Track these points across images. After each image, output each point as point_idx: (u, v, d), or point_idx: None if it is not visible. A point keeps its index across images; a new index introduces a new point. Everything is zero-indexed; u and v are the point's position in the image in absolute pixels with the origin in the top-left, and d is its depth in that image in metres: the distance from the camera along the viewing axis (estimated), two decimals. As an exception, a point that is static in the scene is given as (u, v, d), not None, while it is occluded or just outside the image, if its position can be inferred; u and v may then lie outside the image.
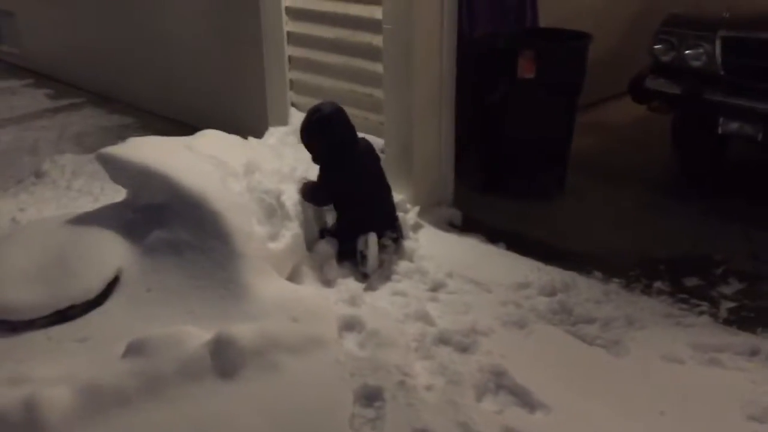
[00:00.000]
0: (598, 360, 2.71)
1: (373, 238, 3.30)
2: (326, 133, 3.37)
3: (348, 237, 3.35)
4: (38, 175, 4.39)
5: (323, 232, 3.47)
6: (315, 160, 3.46)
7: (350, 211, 3.41)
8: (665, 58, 4.12)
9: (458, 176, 4.03)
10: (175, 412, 2.30)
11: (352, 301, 3.00)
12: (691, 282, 3.28)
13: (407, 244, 3.46)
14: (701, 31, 3.99)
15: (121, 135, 5.19)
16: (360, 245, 3.29)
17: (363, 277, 3.25)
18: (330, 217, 3.54)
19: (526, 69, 3.89)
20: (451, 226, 3.81)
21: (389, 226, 3.43)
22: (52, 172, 4.41)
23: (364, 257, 3.26)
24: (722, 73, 3.95)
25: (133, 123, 5.71)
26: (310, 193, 3.40)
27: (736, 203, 4.06)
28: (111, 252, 3.00)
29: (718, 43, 3.93)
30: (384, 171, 3.53)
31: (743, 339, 2.81)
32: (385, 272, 3.29)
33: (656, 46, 4.14)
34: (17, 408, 2.21)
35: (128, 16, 5.82)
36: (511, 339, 2.79)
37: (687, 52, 4.02)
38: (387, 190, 3.52)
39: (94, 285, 2.89)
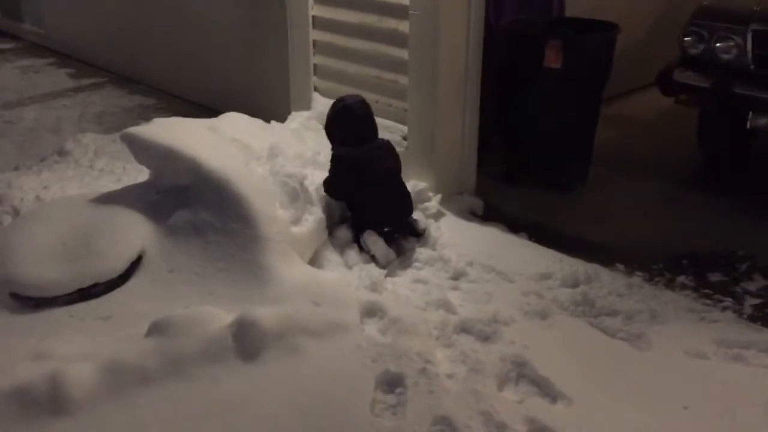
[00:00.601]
0: (621, 353, 2.69)
1: (372, 237, 3.28)
2: (345, 123, 3.40)
3: (358, 230, 3.35)
4: (61, 153, 4.41)
5: (345, 218, 3.46)
6: (333, 149, 3.48)
7: (359, 204, 3.40)
8: (694, 51, 4.07)
9: (480, 165, 4.00)
10: (196, 391, 2.31)
11: (374, 288, 2.99)
12: (715, 277, 3.25)
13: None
14: (732, 23, 3.93)
15: (142, 116, 5.22)
16: (364, 246, 3.28)
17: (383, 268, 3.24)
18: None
19: (552, 59, 3.85)
20: (473, 215, 3.78)
21: (398, 225, 3.40)
22: (75, 151, 4.42)
23: (372, 256, 3.26)
24: (753, 67, 3.89)
25: (155, 104, 5.72)
26: (326, 185, 3.41)
27: (761, 199, 4.02)
28: (135, 232, 3.01)
29: (749, 37, 3.87)
30: (400, 173, 3.49)
31: (768, 336, 2.78)
32: (406, 261, 3.28)
33: (686, 39, 4.09)
34: (42, 383, 2.23)
35: (152, -3, 5.82)
36: (532, 329, 2.76)
37: (717, 45, 3.97)
38: (399, 191, 3.46)
39: (118, 264, 2.91)
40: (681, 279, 3.22)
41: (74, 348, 2.46)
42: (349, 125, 3.40)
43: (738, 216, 3.83)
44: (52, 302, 2.81)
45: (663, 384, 2.52)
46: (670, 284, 3.19)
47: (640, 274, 3.25)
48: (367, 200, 3.36)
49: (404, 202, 3.46)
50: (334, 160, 3.42)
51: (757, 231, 3.66)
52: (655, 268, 3.31)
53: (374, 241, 3.28)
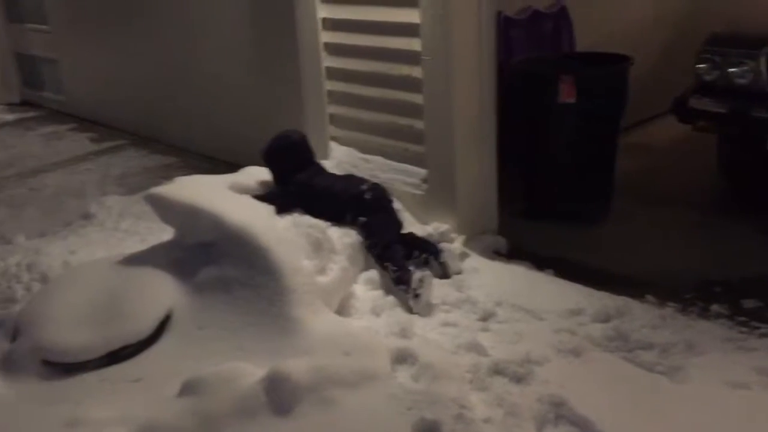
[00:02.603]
0: (660, 387, 2.62)
1: (429, 278, 3.25)
2: (297, 153, 3.74)
3: (386, 248, 3.41)
4: (86, 217, 4.47)
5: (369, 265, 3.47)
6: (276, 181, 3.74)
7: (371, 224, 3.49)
8: (709, 78, 4.07)
9: (501, 203, 3.99)
10: (231, 450, 2.29)
11: (403, 333, 2.97)
12: (750, 304, 3.18)
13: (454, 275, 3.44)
14: (745, 48, 3.94)
15: (163, 175, 5.27)
16: (414, 283, 3.22)
17: (410, 311, 3.20)
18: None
19: (566, 94, 3.86)
20: (497, 254, 3.76)
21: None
22: (99, 214, 4.49)
23: (417, 296, 3.20)
24: (768, 89, 3.88)
25: (175, 162, 5.79)
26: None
27: (787, 221, 3.96)
28: (162, 291, 3.03)
29: (763, 60, 3.86)
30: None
31: (810, 361, 2.71)
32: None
33: (699, 66, 4.09)
34: (77, 450, 2.23)
35: (167, 58, 5.95)
36: (567, 368, 2.72)
37: (731, 70, 3.96)
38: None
39: (147, 324, 2.92)
40: (715, 307, 3.16)
41: (108, 412, 2.46)
42: (300, 154, 3.74)
43: (765, 239, 3.77)
44: (83, 367, 2.82)
45: (705, 417, 2.45)
46: (704, 313, 3.13)
47: (672, 304, 3.19)
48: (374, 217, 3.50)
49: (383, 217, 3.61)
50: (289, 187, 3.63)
51: (787, 253, 3.60)
52: (687, 297, 3.25)
53: (430, 283, 3.24)
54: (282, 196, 3.57)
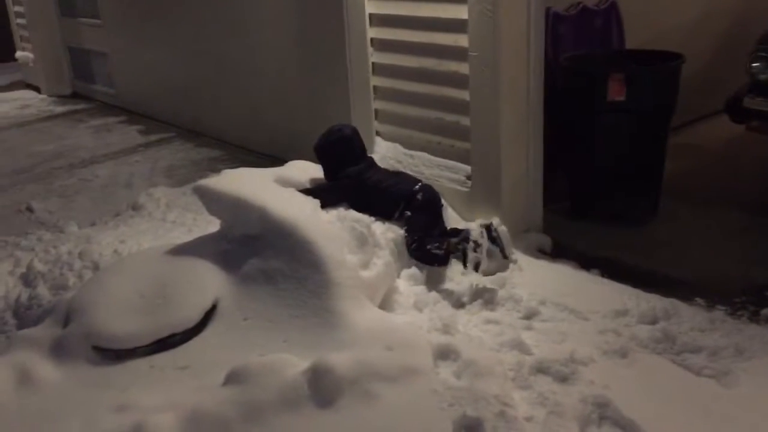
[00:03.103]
0: (708, 391, 2.58)
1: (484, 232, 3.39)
2: (339, 152, 3.72)
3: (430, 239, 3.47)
4: (135, 207, 4.56)
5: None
6: (327, 175, 3.73)
7: (413, 217, 3.52)
8: (763, 77, 3.98)
9: (546, 202, 3.95)
10: (274, 440, 2.31)
11: (445, 330, 2.96)
12: (802, 309, 3.11)
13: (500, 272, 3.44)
14: (801, 47, 3.84)
15: (209, 168, 5.37)
16: (474, 234, 3.35)
17: (475, 267, 3.34)
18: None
19: (616, 92, 3.81)
20: (542, 253, 3.73)
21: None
22: (148, 204, 4.57)
23: (479, 245, 3.35)
24: (826, 89, 3.77)
25: (221, 156, 5.88)
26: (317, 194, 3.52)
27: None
28: (209, 281, 3.07)
29: (820, 59, 3.76)
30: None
31: None
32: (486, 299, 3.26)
33: (754, 65, 4.00)
34: (127, 435, 2.28)
35: (215, 53, 6.03)
36: (613, 369, 2.69)
37: (786, 69, 3.87)
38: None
39: (194, 314, 2.96)
40: (765, 312, 3.09)
41: (156, 398, 2.51)
42: (352, 149, 3.74)
43: (820, 243, 3.67)
44: (133, 353, 2.88)
45: (755, 423, 2.41)
46: (754, 317, 3.07)
47: (721, 307, 3.13)
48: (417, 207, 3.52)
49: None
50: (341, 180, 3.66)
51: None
52: (737, 301, 3.18)
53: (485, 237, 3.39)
54: (328, 191, 3.59)
